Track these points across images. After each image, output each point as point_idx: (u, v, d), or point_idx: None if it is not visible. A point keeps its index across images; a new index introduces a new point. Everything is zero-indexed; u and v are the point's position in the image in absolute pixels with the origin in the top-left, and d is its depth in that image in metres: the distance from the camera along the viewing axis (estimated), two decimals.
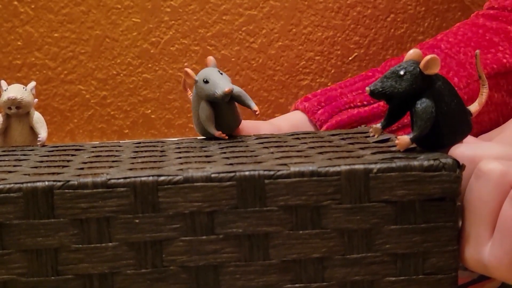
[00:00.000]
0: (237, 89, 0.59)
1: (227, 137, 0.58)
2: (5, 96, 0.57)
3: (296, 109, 0.71)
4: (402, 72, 0.46)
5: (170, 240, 0.43)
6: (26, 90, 0.58)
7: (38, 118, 0.59)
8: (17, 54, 0.90)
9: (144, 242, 0.43)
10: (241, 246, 0.44)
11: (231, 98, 0.59)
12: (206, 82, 0.57)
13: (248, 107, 0.59)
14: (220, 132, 0.58)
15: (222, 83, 0.57)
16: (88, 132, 0.92)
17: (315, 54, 0.94)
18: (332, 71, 0.94)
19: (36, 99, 0.60)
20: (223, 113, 0.59)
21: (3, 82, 0.59)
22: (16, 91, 0.58)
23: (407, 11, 0.95)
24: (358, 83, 0.71)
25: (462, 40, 0.71)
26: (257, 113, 0.59)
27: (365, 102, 0.68)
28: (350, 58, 0.95)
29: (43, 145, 0.58)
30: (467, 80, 0.68)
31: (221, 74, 0.58)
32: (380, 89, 0.46)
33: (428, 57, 0.45)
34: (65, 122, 0.92)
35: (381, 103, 0.67)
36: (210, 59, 0.59)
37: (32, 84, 0.59)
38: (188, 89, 0.64)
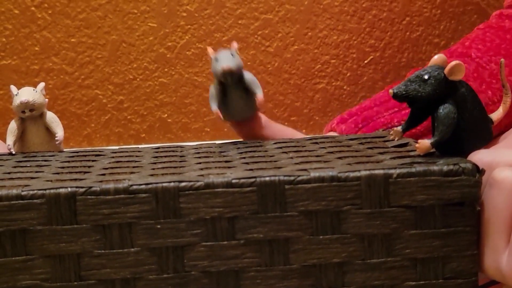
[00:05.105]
0: (249, 76, 0.60)
1: (221, 118, 0.59)
2: (18, 100, 0.57)
3: (331, 130, 0.70)
4: (426, 77, 0.46)
5: (192, 245, 0.44)
6: (36, 91, 0.58)
7: (52, 118, 0.59)
8: (34, 59, 0.91)
9: (165, 247, 0.44)
10: (262, 251, 0.44)
11: (243, 85, 0.60)
12: (216, 60, 0.59)
13: (254, 94, 0.61)
14: (217, 111, 0.59)
15: (226, 62, 0.58)
16: (105, 136, 0.93)
17: (331, 58, 0.94)
18: (348, 74, 0.95)
19: (47, 99, 0.60)
20: (232, 96, 0.60)
21: (13, 87, 0.59)
22: (28, 94, 0.58)
23: (423, 14, 0.95)
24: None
25: (491, 47, 0.70)
26: (259, 99, 0.60)
27: (402, 122, 0.67)
28: (365, 61, 0.95)
29: (61, 150, 0.59)
30: (500, 93, 0.66)
31: (232, 55, 0.59)
32: (404, 92, 0.46)
33: (453, 63, 0.45)
34: (82, 126, 0.93)
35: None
36: (233, 43, 0.60)
37: (42, 85, 0.59)
38: None
